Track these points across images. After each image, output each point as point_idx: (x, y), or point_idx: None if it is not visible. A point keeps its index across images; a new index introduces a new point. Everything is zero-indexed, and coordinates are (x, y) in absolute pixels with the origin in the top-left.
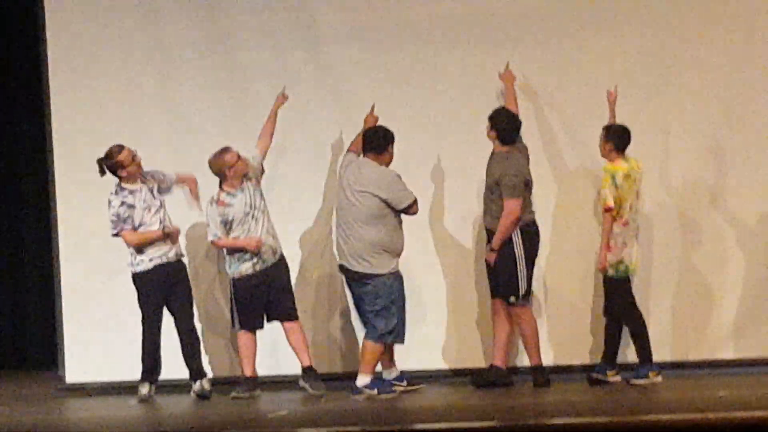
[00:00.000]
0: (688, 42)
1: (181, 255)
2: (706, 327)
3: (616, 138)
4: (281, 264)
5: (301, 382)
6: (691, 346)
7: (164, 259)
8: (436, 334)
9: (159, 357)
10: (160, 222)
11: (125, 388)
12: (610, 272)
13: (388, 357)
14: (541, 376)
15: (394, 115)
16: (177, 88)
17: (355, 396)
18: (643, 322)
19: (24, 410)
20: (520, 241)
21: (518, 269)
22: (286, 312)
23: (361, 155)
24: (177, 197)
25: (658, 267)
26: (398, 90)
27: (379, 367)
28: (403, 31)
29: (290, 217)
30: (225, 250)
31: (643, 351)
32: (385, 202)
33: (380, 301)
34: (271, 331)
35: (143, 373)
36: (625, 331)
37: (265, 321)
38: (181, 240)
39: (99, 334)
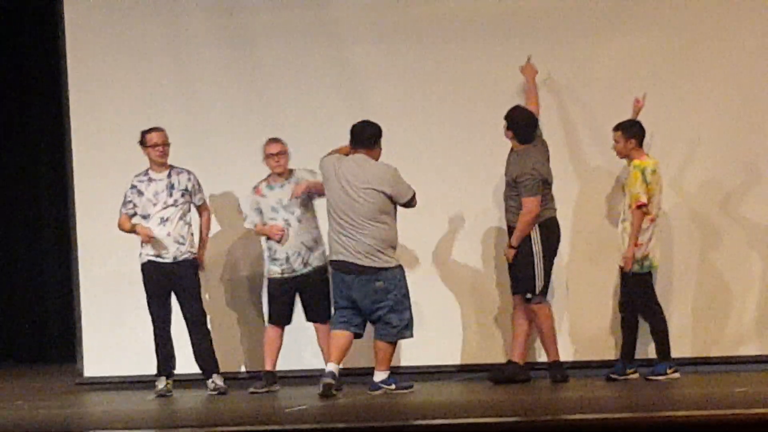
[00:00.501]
0: (711, 40)
1: (185, 257)
2: (726, 323)
3: (638, 134)
4: (315, 274)
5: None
6: (711, 342)
7: (158, 259)
8: (456, 329)
9: (170, 350)
10: (161, 219)
11: (143, 383)
12: (636, 268)
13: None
14: (558, 371)
15: (414, 112)
16: (195, 85)
17: (373, 391)
18: (664, 318)
19: (42, 404)
20: (539, 238)
21: (535, 266)
22: (318, 315)
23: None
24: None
25: (679, 263)
26: (418, 87)
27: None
28: (422, 29)
29: None
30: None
31: (662, 347)
32: (389, 197)
33: (392, 296)
34: (292, 327)
35: (158, 366)
36: (644, 327)
37: (291, 319)
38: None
39: (117, 328)
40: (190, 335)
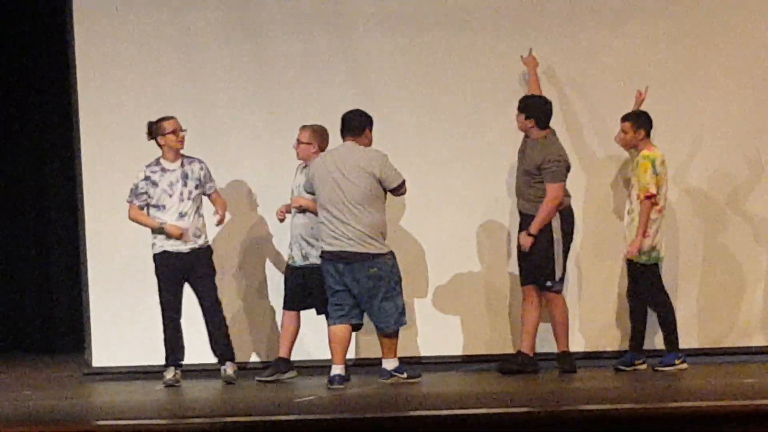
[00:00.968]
0: (718, 32)
1: (201, 246)
2: (733, 315)
3: (647, 124)
4: (315, 267)
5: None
6: (719, 333)
7: (173, 249)
8: (464, 320)
9: (178, 340)
10: (180, 215)
11: (151, 373)
12: (643, 258)
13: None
14: (567, 362)
15: (422, 103)
16: (203, 78)
17: (383, 380)
18: (672, 308)
19: (50, 394)
20: (559, 226)
21: (555, 253)
22: (325, 309)
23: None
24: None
25: (686, 254)
26: (426, 79)
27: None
28: (430, 18)
29: None
30: None
31: (670, 338)
32: (378, 180)
33: (385, 283)
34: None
35: (166, 356)
36: (653, 318)
37: (304, 305)
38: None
39: (125, 318)
40: (207, 323)
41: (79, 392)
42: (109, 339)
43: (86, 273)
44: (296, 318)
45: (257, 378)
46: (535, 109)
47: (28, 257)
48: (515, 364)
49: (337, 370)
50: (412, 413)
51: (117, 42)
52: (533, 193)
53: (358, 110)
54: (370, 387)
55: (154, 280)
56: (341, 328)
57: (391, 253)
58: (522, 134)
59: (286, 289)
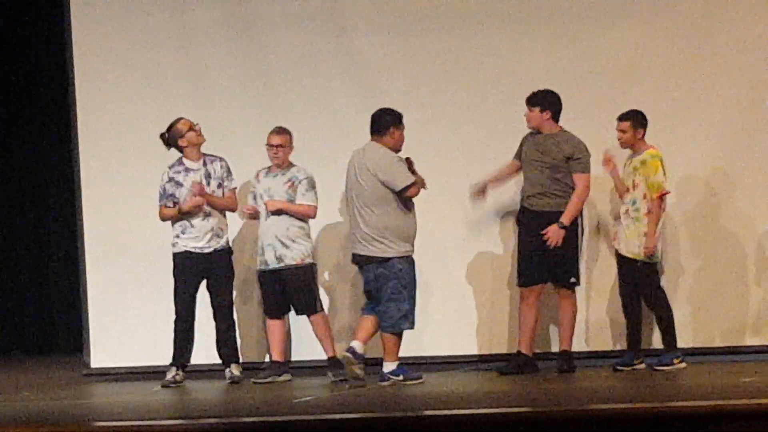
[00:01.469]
0: (714, 31)
1: (223, 248)
2: (731, 313)
3: (645, 124)
4: (291, 271)
5: (328, 373)
6: (716, 332)
7: (196, 249)
8: (464, 320)
9: (186, 341)
10: (204, 215)
11: (150, 373)
12: (646, 258)
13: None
14: (567, 362)
15: (423, 103)
16: (204, 77)
17: (381, 382)
18: (670, 308)
19: (49, 395)
20: (583, 221)
21: (579, 250)
22: (304, 307)
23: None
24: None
25: (684, 253)
26: (427, 78)
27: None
28: (432, 19)
29: None
30: None
31: (668, 337)
32: (382, 183)
33: (391, 285)
34: (297, 317)
35: (174, 356)
36: (651, 317)
37: (285, 309)
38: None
39: (124, 319)
40: (217, 323)
41: (77, 393)
42: (108, 340)
43: (85, 273)
44: (281, 323)
45: (253, 380)
46: (552, 101)
47: (28, 258)
48: (514, 364)
49: (353, 343)
50: (410, 413)
51: (115, 41)
52: (559, 188)
53: (384, 109)
54: (369, 387)
55: (153, 281)
56: (367, 317)
57: (405, 257)
58: (522, 134)
59: (264, 296)
